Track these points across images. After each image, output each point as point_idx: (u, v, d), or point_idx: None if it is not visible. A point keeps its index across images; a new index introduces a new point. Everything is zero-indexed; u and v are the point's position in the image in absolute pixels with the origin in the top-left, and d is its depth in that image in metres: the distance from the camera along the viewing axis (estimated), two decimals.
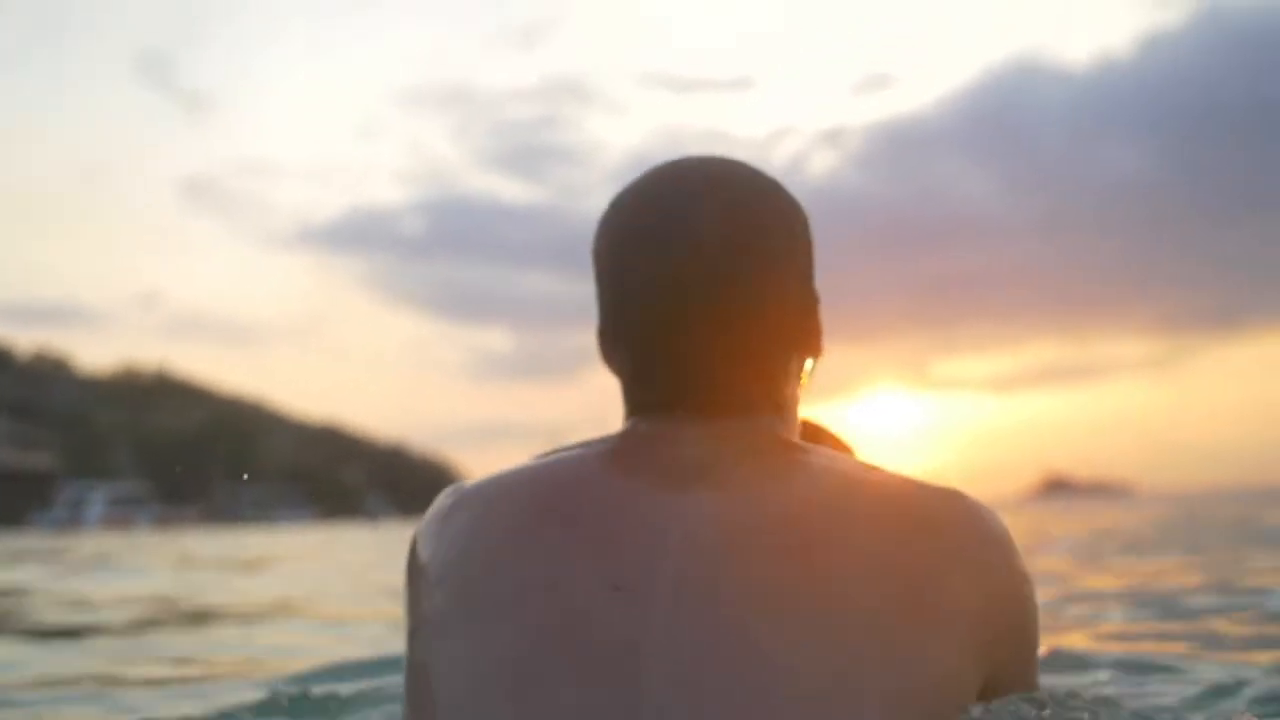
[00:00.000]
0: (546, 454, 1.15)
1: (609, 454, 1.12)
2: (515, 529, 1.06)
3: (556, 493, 1.08)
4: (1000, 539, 1.07)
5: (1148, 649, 3.20)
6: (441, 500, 1.16)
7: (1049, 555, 8.85)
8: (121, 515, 65.45)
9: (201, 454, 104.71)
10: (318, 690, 2.47)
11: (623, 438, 1.14)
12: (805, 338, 1.20)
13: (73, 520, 63.68)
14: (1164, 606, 4.48)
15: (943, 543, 1.03)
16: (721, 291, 1.11)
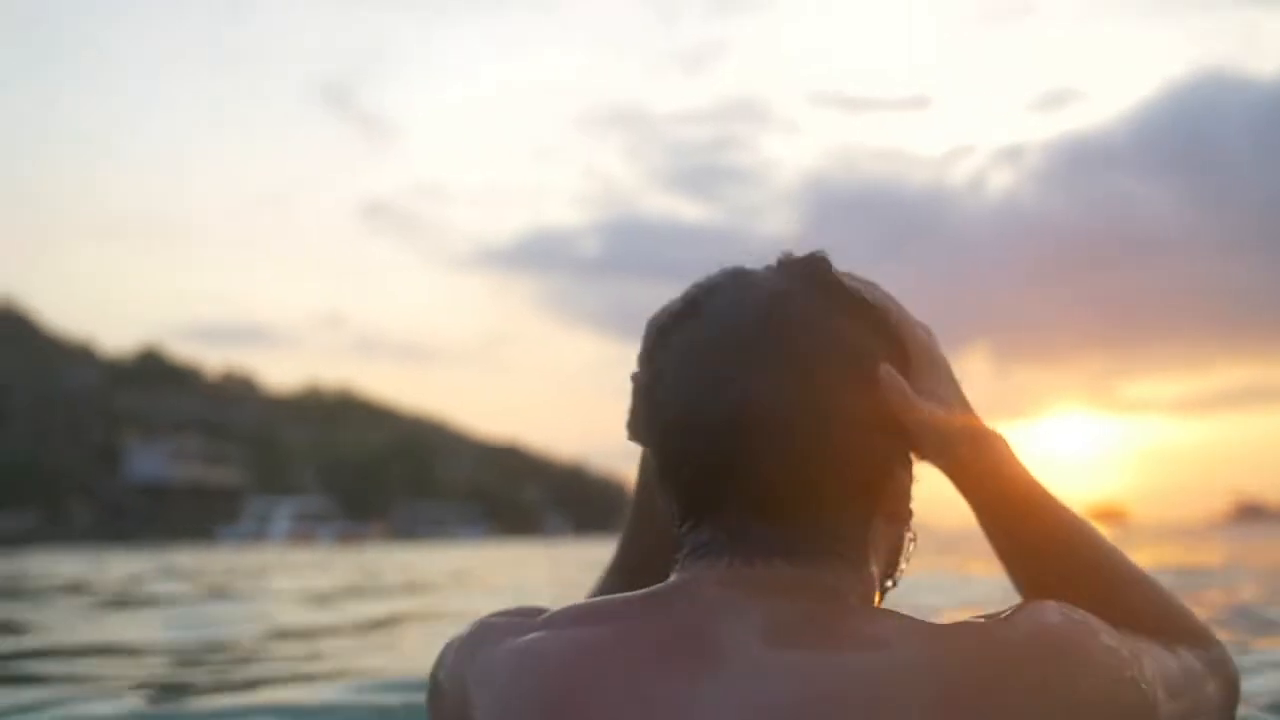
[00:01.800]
0: (584, 608, 1.09)
1: (637, 631, 1.03)
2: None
3: (571, 690, 1.00)
4: (1072, 648, 1.00)
5: None
6: (467, 639, 1.12)
7: (1236, 585, 7.39)
8: (305, 530, 65.96)
9: (383, 471, 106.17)
10: None
11: (658, 603, 1.07)
12: (886, 497, 1.14)
13: (259, 535, 64.42)
14: None
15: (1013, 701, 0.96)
16: (782, 441, 1.06)
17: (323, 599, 8.30)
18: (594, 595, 1.47)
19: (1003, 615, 1.02)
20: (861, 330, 1.13)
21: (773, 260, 1.19)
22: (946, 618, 1.04)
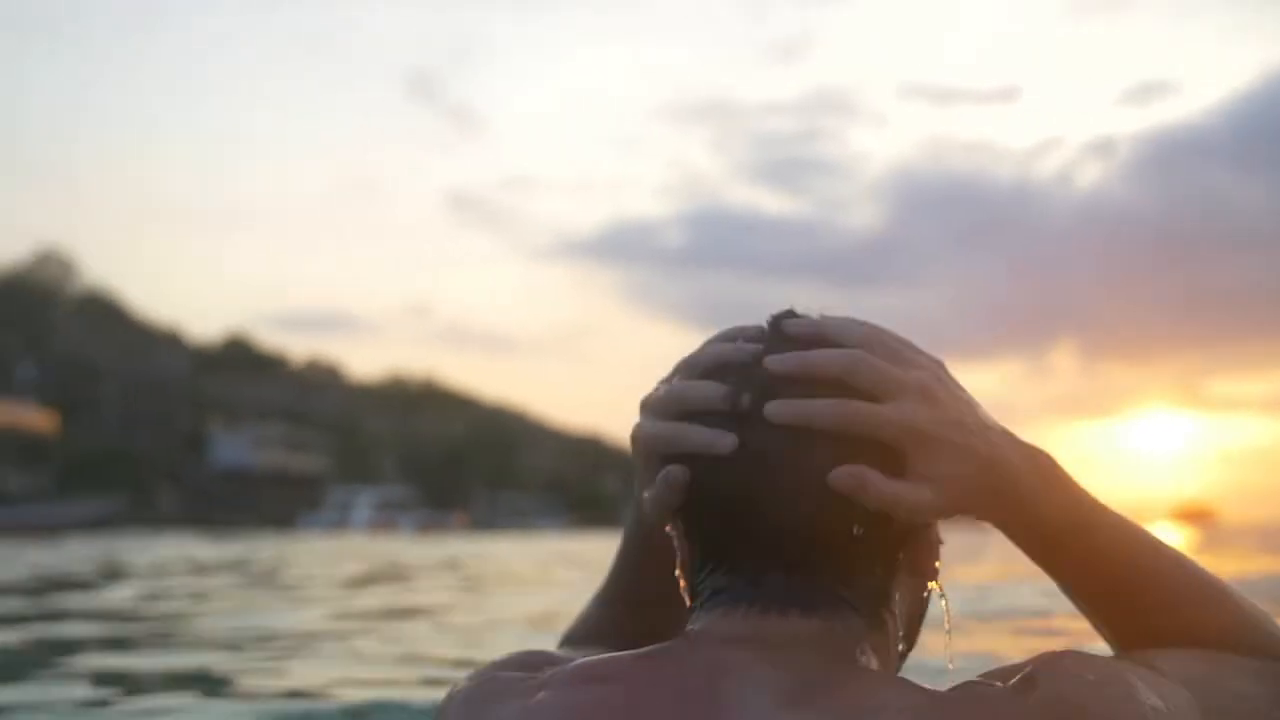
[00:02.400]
0: (593, 666, 1.05)
1: (647, 694, 1.00)
2: None
3: None
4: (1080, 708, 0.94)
5: None
6: (472, 694, 1.09)
7: None
8: (386, 519, 66.27)
9: (463, 461, 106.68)
10: None
11: (669, 662, 1.03)
12: (907, 550, 1.10)
13: (340, 523, 64.81)
14: None
15: None
16: (789, 493, 1.03)
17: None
18: (582, 625, 1.47)
19: (1014, 681, 0.96)
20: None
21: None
22: (957, 670, 1.03)
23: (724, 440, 1.03)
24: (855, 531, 1.04)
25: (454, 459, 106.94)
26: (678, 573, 1.16)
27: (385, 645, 4.73)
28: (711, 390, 1.07)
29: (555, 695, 1.02)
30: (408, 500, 77.32)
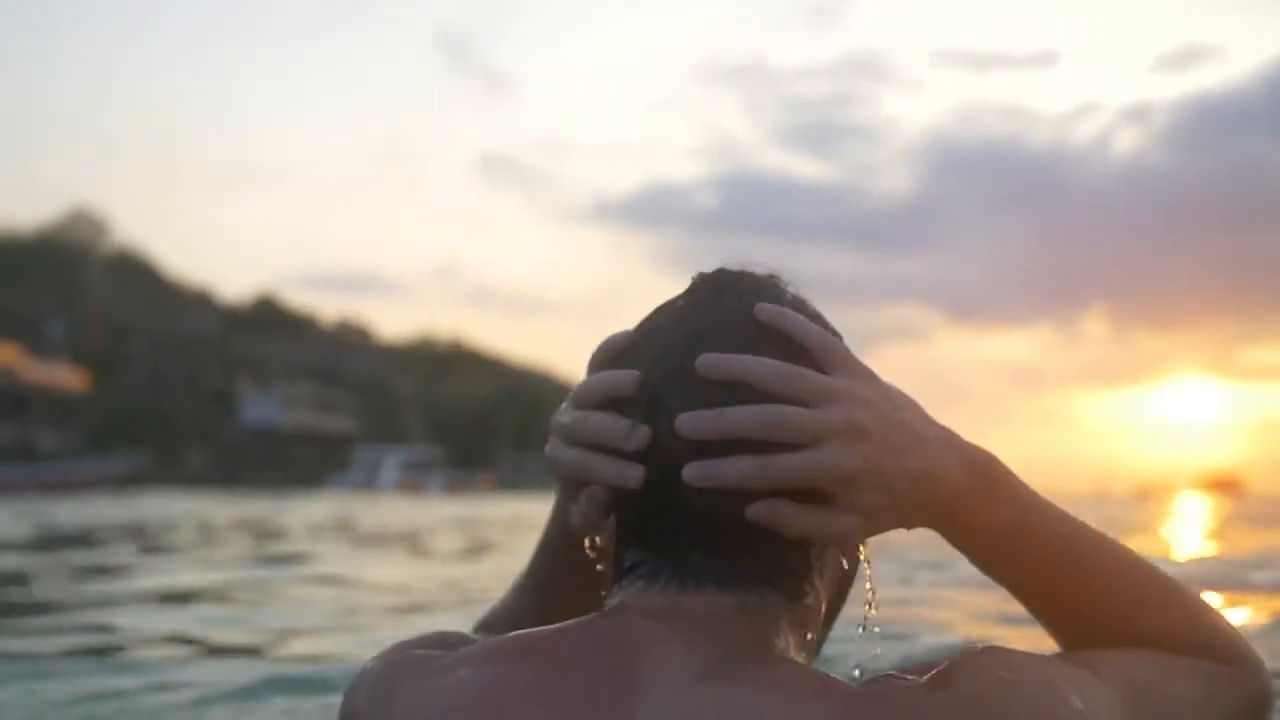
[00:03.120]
0: (510, 643, 1.05)
1: (564, 670, 0.99)
2: None
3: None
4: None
5: None
6: (386, 672, 1.07)
7: None
8: (414, 480, 66.37)
9: (491, 422, 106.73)
10: None
11: (587, 638, 1.03)
12: None
13: (368, 483, 64.89)
14: None
15: None
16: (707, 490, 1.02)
17: None
18: (497, 614, 1.43)
19: (927, 678, 0.94)
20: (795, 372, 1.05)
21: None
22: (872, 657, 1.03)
23: (631, 473, 1.03)
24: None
25: (481, 420, 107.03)
26: (588, 547, 1.17)
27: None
28: (609, 424, 1.06)
29: (472, 672, 1.01)
30: (435, 461, 77.39)
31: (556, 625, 1.06)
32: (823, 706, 0.91)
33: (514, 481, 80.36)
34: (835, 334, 1.14)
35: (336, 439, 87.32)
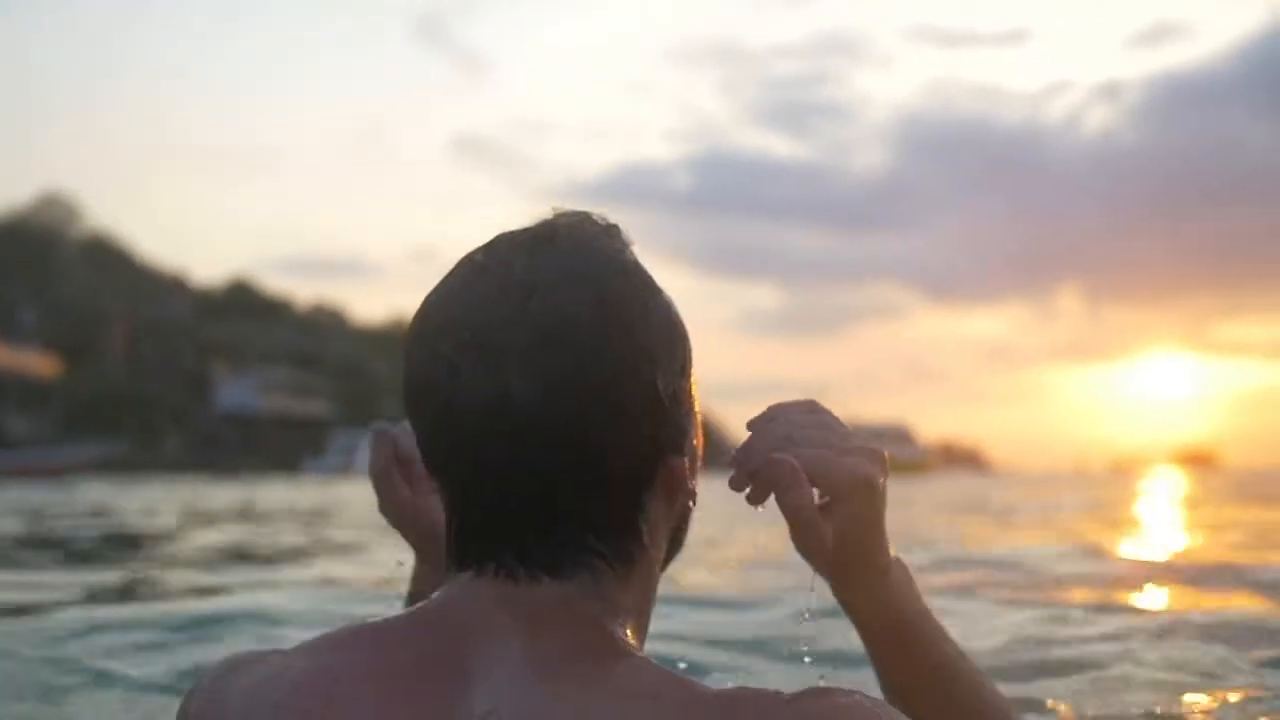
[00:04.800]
0: (343, 634, 1.04)
1: (391, 660, 0.98)
2: None
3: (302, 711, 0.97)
4: None
5: None
6: (219, 671, 1.06)
7: None
8: None
9: None
10: None
11: (417, 627, 1.02)
12: (661, 481, 1.06)
13: (345, 467, 64.60)
14: None
15: None
16: (531, 439, 0.98)
17: None
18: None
19: (781, 696, 0.93)
20: (630, 323, 1.02)
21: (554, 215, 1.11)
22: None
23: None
24: (607, 475, 1.01)
25: None
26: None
27: None
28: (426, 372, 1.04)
29: (298, 660, 1.00)
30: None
31: (388, 616, 1.04)
32: (656, 708, 0.91)
33: None
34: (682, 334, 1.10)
35: (313, 423, 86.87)
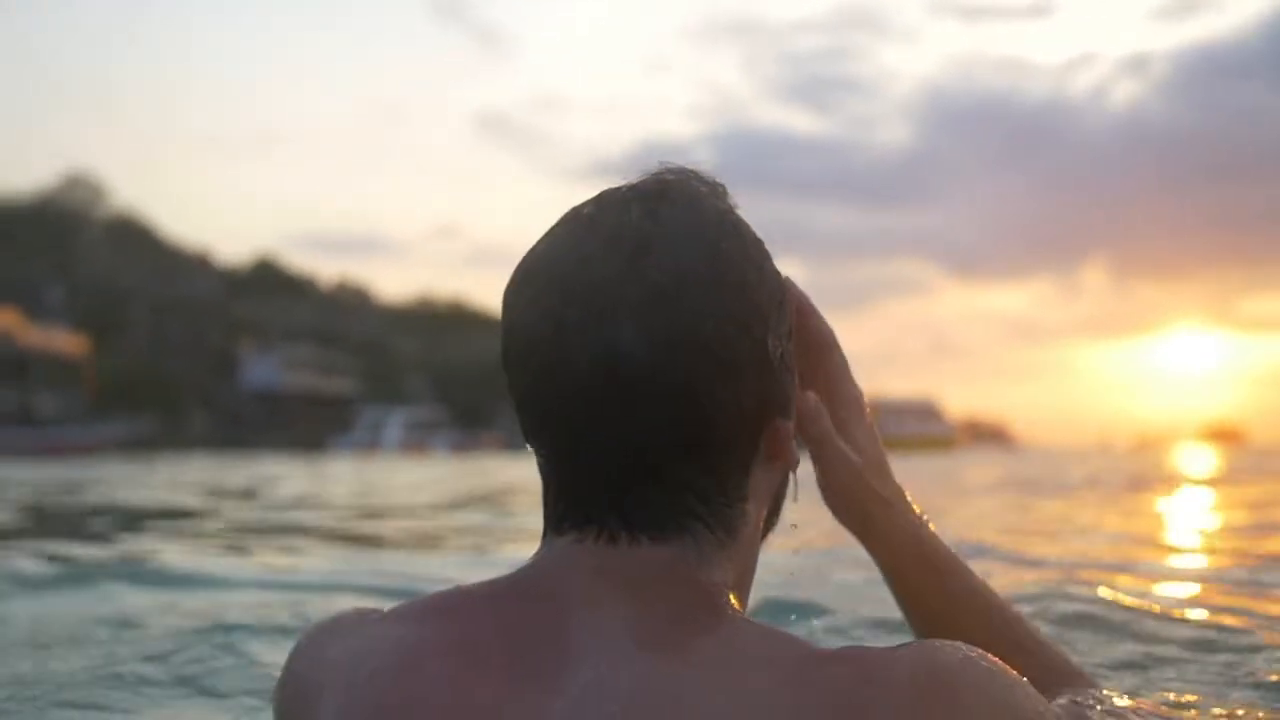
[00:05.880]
0: (437, 601, 1.02)
1: (486, 631, 0.96)
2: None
3: (406, 700, 0.94)
4: (966, 692, 0.89)
5: None
6: (315, 634, 1.06)
7: None
8: (418, 440, 66.39)
9: (492, 381, 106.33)
10: None
11: (514, 596, 0.99)
12: (766, 444, 1.04)
13: (372, 444, 64.91)
14: None
15: None
16: (641, 396, 0.96)
17: None
18: None
19: (892, 649, 0.91)
20: (743, 280, 1.01)
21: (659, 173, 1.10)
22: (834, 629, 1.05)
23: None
24: (715, 433, 0.99)
25: (483, 379, 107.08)
26: None
27: None
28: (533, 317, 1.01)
29: (392, 628, 0.99)
30: (438, 420, 77.32)
31: (485, 581, 1.02)
32: (771, 676, 0.88)
33: (517, 441, 79.97)
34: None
35: (338, 400, 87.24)
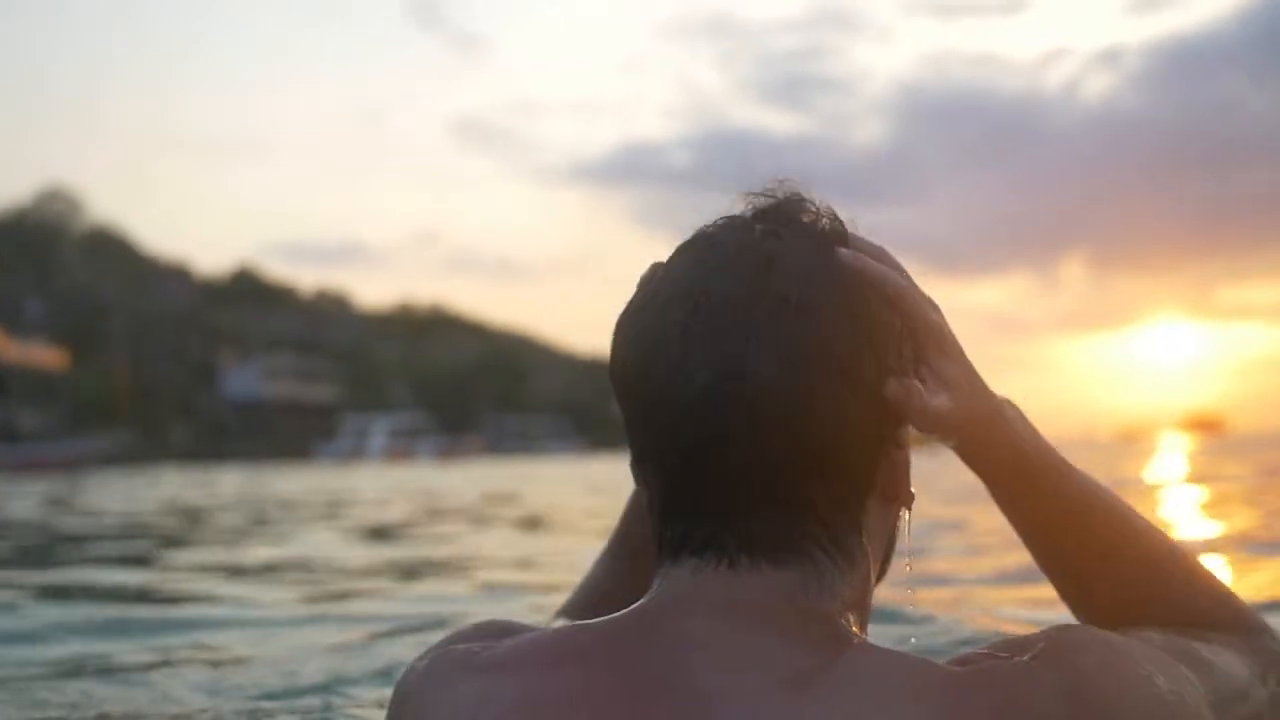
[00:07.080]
0: (547, 643, 0.97)
1: (603, 680, 0.91)
2: None
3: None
4: (1110, 704, 0.87)
5: None
6: (429, 681, 1.00)
7: None
8: (402, 446, 66.13)
9: (474, 386, 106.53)
10: None
11: (632, 638, 0.95)
12: (883, 476, 1.02)
13: (356, 451, 64.68)
14: None
15: None
16: (764, 411, 0.94)
17: None
18: (583, 589, 1.45)
19: (1027, 658, 0.88)
20: (865, 299, 0.99)
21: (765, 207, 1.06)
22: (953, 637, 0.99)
23: None
24: (834, 454, 0.96)
25: (464, 384, 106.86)
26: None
27: None
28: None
29: (505, 680, 0.94)
30: (424, 427, 77.11)
31: (598, 623, 0.97)
32: (918, 709, 0.85)
33: (498, 445, 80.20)
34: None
35: (319, 409, 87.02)
